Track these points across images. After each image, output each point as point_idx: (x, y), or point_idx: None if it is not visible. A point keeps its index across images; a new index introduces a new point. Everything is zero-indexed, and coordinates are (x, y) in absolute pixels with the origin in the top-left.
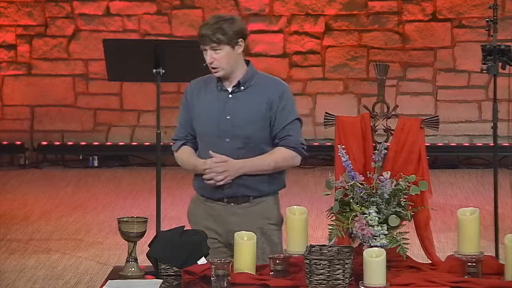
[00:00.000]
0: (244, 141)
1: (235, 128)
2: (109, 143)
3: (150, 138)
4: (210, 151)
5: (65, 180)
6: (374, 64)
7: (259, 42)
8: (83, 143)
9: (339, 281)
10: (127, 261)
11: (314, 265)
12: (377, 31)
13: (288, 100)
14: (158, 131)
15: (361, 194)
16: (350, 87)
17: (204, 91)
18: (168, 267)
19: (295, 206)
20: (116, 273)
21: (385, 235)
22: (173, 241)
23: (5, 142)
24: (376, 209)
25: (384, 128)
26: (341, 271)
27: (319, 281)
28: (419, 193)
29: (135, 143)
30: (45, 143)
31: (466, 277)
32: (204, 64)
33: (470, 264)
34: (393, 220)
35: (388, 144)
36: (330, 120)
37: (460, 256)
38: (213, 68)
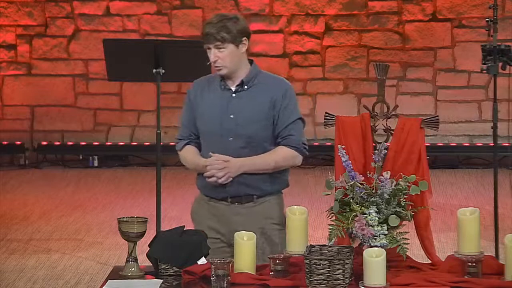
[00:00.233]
0: (247, 140)
1: (238, 127)
2: (109, 143)
3: (150, 138)
4: (210, 153)
5: (65, 180)
6: (374, 64)
7: (259, 42)
8: (83, 143)
9: (339, 281)
10: (127, 261)
11: (314, 265)
12: (377, 31)
13: (291, 100)
14: (158, 131)
15: (361, 194)
16: (350, 87)
17: (208, 90)
18: (168, 267)
19: (295, 206)
20: (116, 273)
21: (385, 235)
22: (173, 241)
23: (5, 142)
24: (376, 209)
25: (384, 128)
26: (341, 271)
27: (319, 281)
28: (419, 193)
29: (135, 143)
30: (45, 143)
31: (466, 277)
32: (208, 63)
33: (470, 264)
34: (393, 220)
35: (388, 144)
36: (330, 120)
37: (460, 256)
38: (217, 66)
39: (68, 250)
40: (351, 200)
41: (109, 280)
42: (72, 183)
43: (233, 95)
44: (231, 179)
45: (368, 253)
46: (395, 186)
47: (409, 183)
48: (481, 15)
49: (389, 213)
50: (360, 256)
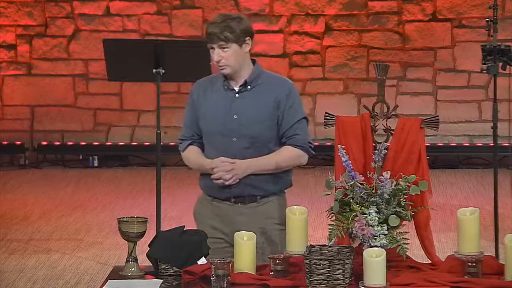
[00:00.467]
0: (251, 141)
1: (242, 127)
2: (109, 143)
3: (150, 138)
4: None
5: (65, 180)
6: (374, 64)
7: (259, 42)
8: (83, 143)
9: (339, 281)
10: (127, 261)
11: (314, 265)
12: (377, 31)
13: (295, 99)
14: (158, 131)
15: (361, 194)
16: (350, 87)
17: (211, 90)
18: (168, 267)
19: (295, 206)
20: (116, 273)
21: (385, 235)
22: (173, 241)
23: (5, 142)
24: (376, 209)
25: (384, 128)
26: (341, 271)
27: (319, 281)
28: (419, 193)
29: (135, 143)
30: (45, 143)
31: (466, 277)
32: (210, 63)
33: (470, 264)
34: (393, 220)
35: (388, 144)
36: (330, 120)
37: (460, 256)
38: (221, 66)
39: (68, 250)
40: (351, 200)
41: (109, 280)
42: (72, 183)
43: (236, 95)
44: (238, 180)
45: (368, 253)
46: (395, 186)
47: (409, 183)
48: (481, 15)
49: (389, 213)
50: (360, 256)
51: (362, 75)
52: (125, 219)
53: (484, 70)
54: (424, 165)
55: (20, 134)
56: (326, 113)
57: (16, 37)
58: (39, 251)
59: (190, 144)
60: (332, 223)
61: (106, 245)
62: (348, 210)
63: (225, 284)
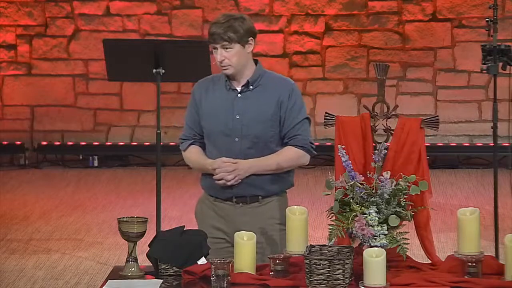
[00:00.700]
0: (253, 141)
1: (244, 127)
2: (109, 143)
3: (150, 138)
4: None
5: (65, 180)
6: (374, 64)
7: (259, 42)
8: (83, 143)
9: (339, 281)
10: (127, 261)
11: (314, 265)
12: (377, 31)
13: (297, 100)
14: (158, 131)
15: (361, 194)
16: (350, 87)
17: (212, 90)
18: (168, 267)
19: (295, 206)
20: (116, 273)
21: (385, 235)
22: (173, 241)
23: (5, 142)
24: (376, 209)
25: (384, 128)
26: (341, 271)
27: (319, 281)
28: (419, 193)
29: (135, 143)
30: (45, 143)
31: (466, 277)
32: (214, 63)
33: (470, 264)
34: (393, 220)
35: (388, 144)
36: (330, 120)
37: (460, 256)
38: (223, 66)
39: (68, 250)
40: (351, 200)
41: (109, 280)
42: (72, 183)
43: (239, 95)
44: (240, 180)
45: (368, 253)
46: (395, 186)
47: (409, 183)
48: (481, 15)
49: (389, 213)
50: (360, 256)
51: (362, 75)
52: (125, 219)
53: (484, 70)
54: (424, 165)
55: (20, 134)
56: (326, 113)
57: (16, 37)
58: (39, 251)
59: (191, 144)
60: (332, 223)
61: (106, 245)
62: (348, 210)
63: (225, 284)
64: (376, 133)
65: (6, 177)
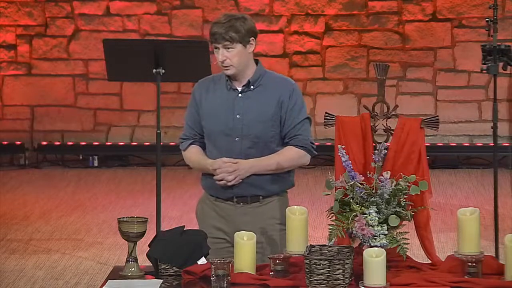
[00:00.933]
0: (254, 140)
1: (244, 127)
2: (109, 143)
3: (150, 138)
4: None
5: (65, 180)
6: (374, 64)
7: (259, 42)
8: (83, 143)
9: (339, 281)
10: (127, 261)
11: (314, 265)
12: (377, 31)
13: (298, 99)
14: (158, 131)
15: (361, 194)
16: (350, 87)
17: (213, 90)
18: (168, 267)
19: (295, 206)
20: (116, 273)
21: (385, 235)
22: (173, 241)
23: (5, 142)
24: (376, 209)
25: (384, 128)
26: (341, 271)
27: (319, 281)
28: (419, 193)
29: (135, 143)
30: (45, 143)
31: (466, 277)
32: (214, 63)
33: (470, 264)
34: (393, 220)
35: (388, 144)
36: (330, 120)
37: (460, 256)
38: (225, 66)
39: (68, 250)
40: (351, 200)
41: (109, 280)
42: (72, 183)
43: (239, 95)
44: (240, 180)
45: (368, 253)
46: (395, 186)
47: (409, 183)
48: (481, 15)
49: (389, 213)
50: (360, 256)
51: (362, 75)
52: (125, 219)
53: (484, 70)
54: (424, 165)
55: (20, 134)
56: (326, 113)
57: (16, 37)
58: (39, 251)
59: (191, 143)
60: (332, 223)
61: (106, 245)
62: (348, 210)
63: (225, 284)
64: (376, 133)
65: (6, 177)
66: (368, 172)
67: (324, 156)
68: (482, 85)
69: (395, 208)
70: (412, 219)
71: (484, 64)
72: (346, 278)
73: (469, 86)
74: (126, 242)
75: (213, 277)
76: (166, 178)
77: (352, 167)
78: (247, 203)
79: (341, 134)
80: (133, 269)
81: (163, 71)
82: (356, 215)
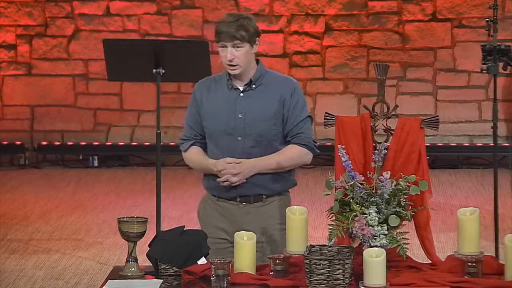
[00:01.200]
0: (257, 139)
1: (247, 126)
2: (109, 143)
3: (150, 138)
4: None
5: (65, 180)
6: (374, 64)
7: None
8: (83, 143)
9: (339, 281)
10: (127, 261)
11: (314, 265)
12: (377, 31)
13: (300, 98)
14: (158, 131)
15: (361, 194)
16: (350, 87)
17: (214, 90)
18: (168, 267)
19: (295, 206)
20: (116, 273)
21: (385, 235)
22: (173, 241)
23: (5, 142)
24: (376, 209)
25: (384, 128)
26: (341, 271)
27: (319, 281)
28: (419, 193)
29: (135, 143)
30: (45, 143)
31: (466, 277)
32: (219, 62)
33: (470, 264)
34: (393, 220)
35: (388, 144)
36: (330, 120)
37: (460, 256)
38: (232, 65)
39: (68, 250)
40: (351, 200)
41: (109, 280)
42: (72, 183)
43: (241, 94)
44: (244, 180)
45: (368, 253)
46: (395, 186)
47: (409, 183)
48: (481, 15)
49: (389, 213)
50: (360, 256)
51: (362, 75)
52: (125, 219)
53: (484, 70)
54: (424, 165)
55: (20, 134)
56: (326, 113)
57: (16, 37)
58: (39, 251)
59: (192, 144)
60: (332, 223)
61: (106, 245)
62: (348, 210)
63: (225, 284)
64: (376, 133)
65: (6, 177)
66: (368, 172)
67: (324, 156)
68: (482, 85)
69: (395, 208)
70: (412, 219)
71: (484, 64)
72: (346, 278)
73: (469, 86)
74: (126, 242)
75: (213, 277)
76: (166, 178)
77: (352, 167)
78: (250, 203)
79: (341, 134)
80: (133, 269)
81: (163, 71)
82: (356, 215)
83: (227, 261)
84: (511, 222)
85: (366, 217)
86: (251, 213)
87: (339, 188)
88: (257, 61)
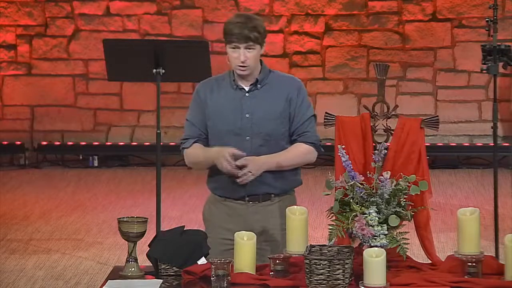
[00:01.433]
0: (265, 138)
1: (255, 126)
2: (109, 143)
3: (150, 138)
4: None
5: (65, 180)
6: (374, 64)
7: None
8: (83, 143)
9: (339, 281)
10: (127, 261)
11: (314, 265)
12: (377, 31)
13: (305, 97)
14: (158, 131)
15: (361, 194)
16: (350, 87)
17: (217, 90)
18: (168, 267)
19: (295, 206)
20: (116, 273)
21: (385, 235)
22: (173, 241)
23: (5, 142)
24: (376, 209)
25: (384, 128)
26: (341, 271)
27: (319, 281)
28: (419, 193)
29: (135, 143)
30: (45, 143)
31: (466, 277)
32: (227, 62)
33: (470, 264)
34: (393, 220)
35: (388, 144)
36: (330, 120)
37: (460, 256)
38: (243, 67)
39: (68, 250)
40: (351, 200)
41: (109, 280)
42: (72, 183)
43: (247, 94)
44: (253, 178)
45: (368, 253)
46: (395, 186)
47: (409, 183)
48: (481, 15)
49: (389, 213)
50: (360, 256)
51: (362, 75)
52: (125, 219)
53: (484, 70)
54: (424, 165)
55: (20, 134)
56: (326, 113)
57: (16, 37)
58: (39, 251)
59: (195, 142)
60: (332, 223)
61: (106, 245)
62: (348, 210)
63: (225, 284)
64: (376, 133)
65: (6, 177)
66: (368, 172)
67: (324, 156)
68: (482, 85)
69: (395, 208)
70: (412, 219)
71: (484, 64)
72: (346, 278)
73: (469, 86)
74: (126, 242)
75: (213, 277)
76: (166, 178)
77: (352, 167)
78: (259, 202)
79: (341, 134)
80: (133, 269)
81: (163, 71)
82: (356, 215)
83: (227, 261)
84: (511, 222)
85: (366, 217)
86: (259, 212)
87: (339, 188)
88: (260, 61)
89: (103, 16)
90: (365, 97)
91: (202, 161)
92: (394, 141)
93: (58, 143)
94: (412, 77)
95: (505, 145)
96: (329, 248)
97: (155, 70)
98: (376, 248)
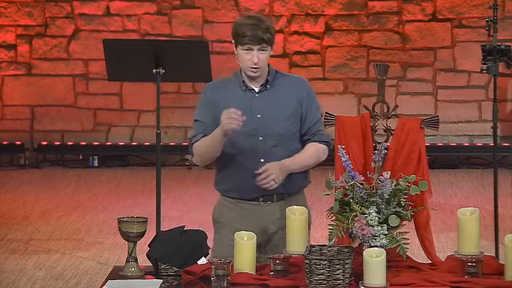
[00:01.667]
0: (278, 138)
1: (267, 126)
2: (109, 143)
3: (150, 138)
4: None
5: (65, 180)
6: (374, 64)
7: None
8: (83, 143)
9: (339, 281)
10: (127, 261)
11: (314, 265)
12: (377, 31)
13: (314, 97)
14: (158, 131)
15: (361, 194)
16: (350, 87)
17: (224, 91)
18: (168, 267)
19: (295, 206)
20: (116, 273)
21: (385, 235)
22: (173, 241)
23: (5, 142)
24: (376, 209)
25: (384, 128)
26: (341, 271)
27: (319, 281)
28: (419, 193)
29: (135, 143)
30: (45, 143)
31: (466, 277)
32: (237, 62)
33: (470, 264)
34: (393, 220)
35: (388, 144)
36: (330, 120)
37: (460, 256)
38: (256, 68)
39: (68, 250)
40: (351, 200)
41: (109, 280)
42: (72, 183)
43: (256, 95)
44: (276, 185)
45: (368, 253)
46: (395, 186)
47: (409, 183)
48: (481, 15)
49: (389, 213)
50: (360, 256)
51: (362, 75)
52: (125, 219)
53: (484, 70)
54: (424, 165)
55: (20, 134)
56: (326, 113)
57: (16, 37)
58: (39, 251)
59: (203, 136)
60: (332, 223)
61: (106, 245)
62: (348, 210)
63: (225, 284)
64: (376, 133)
65: (6, 177)
66: (368, 172)
67: None
68: (482, 85)
69: (395, 208)
70: (412, 219)
71: (484, 64)
72: (346, 278)
73: (469, 86)
74: (126, 242)
75: (213, 277)
76: (166, 178)
77: (352, 167)
78: (273, 202)
79: (341, 134)
80: (133, 269)
81: (163, 71)
82: (356, 215)
83: (227, 261)
84: (511, 222)
85: (366, 217)
86: (271, 212)
87: (339, 188)
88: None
89: (103, 16)
90: (365, 97)
91: (210, 143)
92: (394, 141)
93: (58, 143)
94: (412, 77)
95: (505, 145)
96: (329, 248)
97: (155, 70)
98: (376, 248)
